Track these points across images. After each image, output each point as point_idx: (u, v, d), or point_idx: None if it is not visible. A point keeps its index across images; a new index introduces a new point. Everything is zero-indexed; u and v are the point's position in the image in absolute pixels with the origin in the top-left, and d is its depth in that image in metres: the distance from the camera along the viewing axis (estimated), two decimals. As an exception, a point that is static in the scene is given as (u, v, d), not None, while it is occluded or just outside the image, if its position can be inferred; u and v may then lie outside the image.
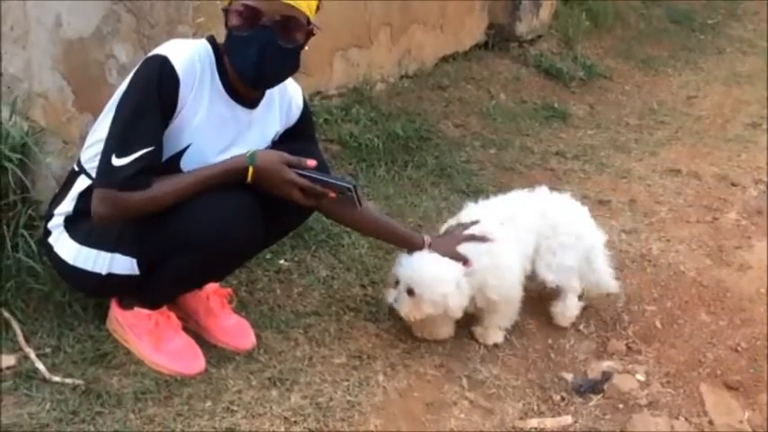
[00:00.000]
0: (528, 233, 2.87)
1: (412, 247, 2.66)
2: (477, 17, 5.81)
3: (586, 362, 2.91)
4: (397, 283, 2.64)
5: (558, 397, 2.73)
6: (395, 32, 4.90)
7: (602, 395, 2.75)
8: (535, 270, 2.91)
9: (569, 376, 2.83)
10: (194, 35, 3.13)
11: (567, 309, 2.99)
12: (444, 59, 5.44)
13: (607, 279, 3.05)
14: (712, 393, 2.76)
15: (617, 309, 3.19)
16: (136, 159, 2.11)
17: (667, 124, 5.46)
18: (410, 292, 2.60)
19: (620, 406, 2.70)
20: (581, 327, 3.09)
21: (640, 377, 2.84)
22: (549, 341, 2.98)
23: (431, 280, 2.59)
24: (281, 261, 3.07)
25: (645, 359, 2.93)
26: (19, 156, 2.63)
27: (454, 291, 2.61)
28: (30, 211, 2.66)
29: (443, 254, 2.64)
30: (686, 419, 2.63)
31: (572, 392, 2.75)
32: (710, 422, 2.63)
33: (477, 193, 3.95)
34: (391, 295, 2.66)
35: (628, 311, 3.18)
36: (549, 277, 2.91)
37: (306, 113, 2.56)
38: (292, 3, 2.15)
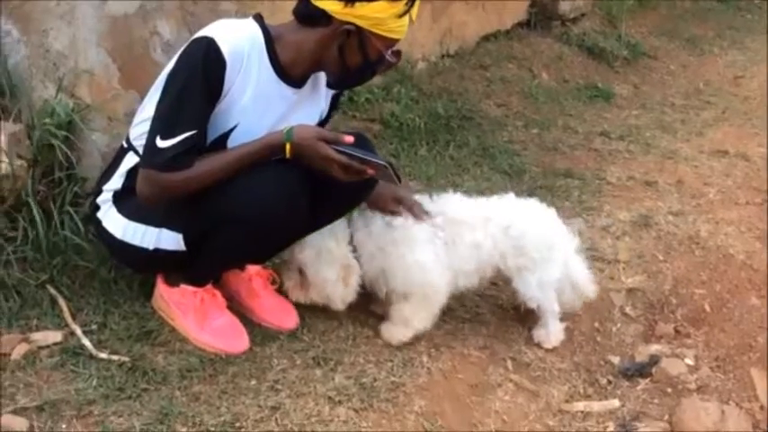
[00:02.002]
0: (473, 249, 2.57)
1: None
2: (519, -6, 5.72)
3: (633, 345, 2.87)
4: (378, 165, 2.32)
5: (605, 380, 2.70)
6: (436, 11, 4.83)
7: (649, 379, 2.71)
8: (515, 289, 2.68)
9: (616, 359, 2.79)
10: (237, 11, 3.12)
11: (551, 334, 2.74)
12: (486, 38, 5.35)
13: (585, 283, 2.79)
14: (763, 378, 2.69)
15: (664, 292, 3.13)
16: (180, 142, 2.11)
17: (714, 105, 5.33)
18: (299, 272, 2.52)
19: (669, 390, 2.66)
20: (627, 309, 3.05)
21: (689, 361, 2.79)
22: (596, 324, 2.94)
23: (316, 262, 2.48)
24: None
25: (693, 343, 2.88)
26: (65, 133, 2.64)
27: (335, 281, 2.50)
28: (75, 188, 2.67)
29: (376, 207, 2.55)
30: (737, 404, 2.58)
31: (619, 376, 2.72)
32: (762, 407, 2.58)
33: (519, 173, 3.91)
34: (283, 275, 2.59)
35: (676, 294, 3.12)
36: (529, 295, 2.66)
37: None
38: None
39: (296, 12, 2.25)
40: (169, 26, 2.81)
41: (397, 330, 2.58)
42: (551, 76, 5.29)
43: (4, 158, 2.55)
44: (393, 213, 2.52)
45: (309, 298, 2.54)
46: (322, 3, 2.16)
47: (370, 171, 2.22)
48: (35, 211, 2.54)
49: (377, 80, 4.35)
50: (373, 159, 2.20)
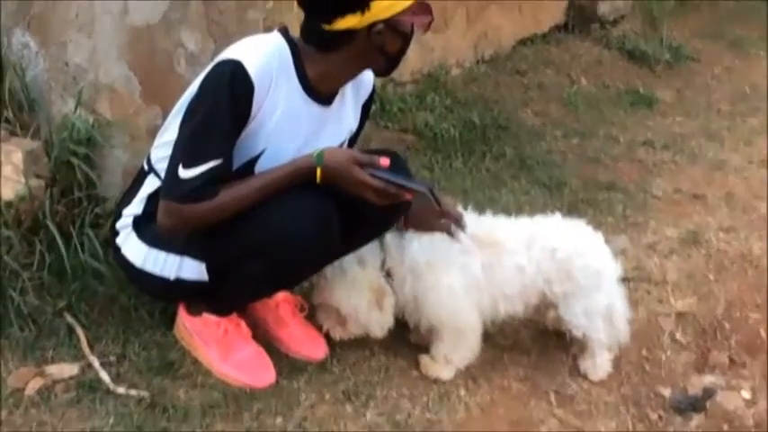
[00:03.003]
0: (515, 273, 2.41)
1: None
2: (556, -3, 5.54)
3: (685, 375, 2.68)
4: (415, 190, 2.21)
5: (656, 415, 2.51)
6: (471, 14, 4.68)
7: (704, 414, 2.52)
8: (560, 316, 2.52)
9: (667, 392, 2.59)
10: (264, 20, 2.98)
11: (598, 365, 2.56)
12: (522, 42, 5.18)
13: (621, 322, 2.58)
14: (826, 413, 2.50)
15: (717, 316, 2.94)
16: (204, 172, 1.98)
17: (761, 111, 5.09)
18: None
19: (725, 427, 2.47)
20: (678, 336, 2.85)
21: (746, 394, 2.59)
22: (644, 352, 2.75)
23: (348, 297, 2.34)
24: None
25: (750, 374, 2.69)
26: (85, 150, 2.53)
27: (368, 306, 2.35)
28: (96, 209, 2.56)
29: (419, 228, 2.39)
30: (798, 444, 2.39)
31: (670, 410, 2.53)
32: (825, 445, 2.39)
33: (559, 186, 3.73)
34: (319, 315, 2.43)
35: (729, 318, 2.93)
36: (575, 323, 2.49)
37: (373, 93, 2.42)
38: None
39: (310, 41, 2.11)
40: (194, 37, 2.68)
41: (437, 369, 2.44)
42: (591, 82, 5.09)
43: (21, 178, 2.44)
44: (437, 229, 2.37)
45: (350, 332, 2.39)
46: (340, 24, 2.03)
47: (408, 196, 2.07)
48: (53, 234, 2.42)
49: (410, 88, 4.22)
50: (411, 185, 2.05)
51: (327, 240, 2.11)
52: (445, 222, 2.36)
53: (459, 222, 2.37)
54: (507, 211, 3.43)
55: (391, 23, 2.06)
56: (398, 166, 2.18)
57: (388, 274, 2.38)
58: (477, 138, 3.99)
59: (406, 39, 2.12)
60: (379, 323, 2.38)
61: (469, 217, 2.48)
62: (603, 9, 5.65)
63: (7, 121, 2.60)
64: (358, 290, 2.34)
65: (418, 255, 2.36)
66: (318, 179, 2.04)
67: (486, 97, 4.42)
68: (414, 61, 4.24)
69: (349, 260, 2.34)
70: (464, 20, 4.60)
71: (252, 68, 1.99)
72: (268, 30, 3.05)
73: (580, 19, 5.64)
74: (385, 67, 2.18)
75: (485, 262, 2.38)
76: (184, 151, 2.00)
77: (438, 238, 2.38)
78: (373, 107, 2.58)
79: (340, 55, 2.09)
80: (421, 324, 2.41)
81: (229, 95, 1.97)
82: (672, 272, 3.16)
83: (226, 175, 2.02)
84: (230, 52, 2.05)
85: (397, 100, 4.00)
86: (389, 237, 2.42)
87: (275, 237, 2.03)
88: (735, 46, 6.30)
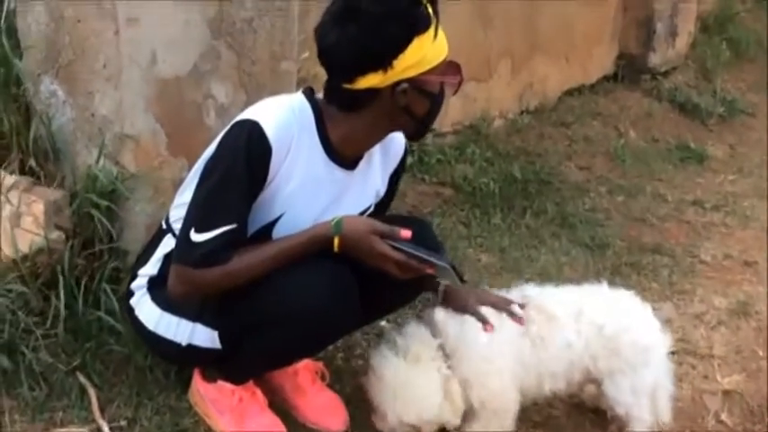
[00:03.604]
0: (564, 350, 2.28)
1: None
2: (606, 46, 5.41)
3: (731, 461, 2.51)
4: (437, 265, 2.08)
5: (697, 506, 2.34)
6: (516, 64, 4.58)
7: (750, 508, 2.35)
8: (604, 393, 2.36)
9: (710, 480, 2.43)
10: (299, 71, 2.91)
11: None
12: (569, 93, 5.07)
13: (665, 404, 2.42)
14: None
15: (765, 395, 2.76)
16: (216, 237, 1.90)
17: (817, 170, 4.91)
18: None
19: None
20: (723, 416, 2.68)
21: (796, 485, 2.41)
22: (687, 433, 2.59)
23: (419, 406, 2.17)
24: (383, 323, 2.79)
25: (800, 462, 2.51)
26: (107, 202, 2.46)
27: (442, 400, 2.18)
28: (116, 263, 2.49)
29: (456, 308, 2.26)
30: None
31: (713, 501, 2.36)
32: None
33: (602, 248, 3.58)
34: (380, 425, 2.24)
35: (779, 400, 2.75)
36: (620, 400, 2.34)
37: (405, 159, 2.32)
38: None
39: (333, 101, 2.02)
40: (225, 88, 2.60)
41: None
42: (639, 135, 4.95)
43: (40, 231, 2.38)
44: (473, 314, 2.24)
45: None
46: (362, 83, 1.93)
47: (429, 270, 1.96)
48: (70, 289, 2.36)
49: (450, 140, 4.13)
50: (433, 260, 1.94)
51: (346, 312, 2.01)
52: (483, 310, 2.25)
53: (498, 306, 2.26)
54: (547, 272, 3.33)
55: (417, 83, 1.96)
56: (425, 235, 2.08)
57: (445, 356, 2.24)
58: (517, 192, 3.88)
59: (433, 100, 2.01)
60: (453, 413, 2.22)
61: (515, 289, 2.38)
62: (655, 60, 5.53)
63: (31, 169, 2.55)
64: (426, 396, 2.18)
65: (476, 336, 2.23)
66: (336, 248, 1.94)
67: (529, 150, 4.31)
68: (455, 112, 4.14)
69: (398, 366, 2.17)
70: (508, 70, 4.50)
71: (270, 130, 1.91)
72: (302, 81, 3.02)
73: (630, 69, 5.53)
74: (414, 129, 2.08)
75: (534, 339, 2.25)
76: (197, 214, 1.93)
77: (493, 316, 2.26)
78: (410, 159, 2.49)
79: (363, 116, 1.99)
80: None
81: (246, 158, 1.89)
82: (719, 345, 3.00)
83: (240, 240, 1.94)
84: (249, 112, 1.97)
85: (435, 151, 3.91)
86: (440, 315, 2.26)
87: (290, 308, 1.94)
88: (791, 100, 6.10)
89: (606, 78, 5.43)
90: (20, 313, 2.27)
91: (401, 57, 1.91)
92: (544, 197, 3.92)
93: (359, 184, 2.14)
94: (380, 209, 2.27)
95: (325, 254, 1.95)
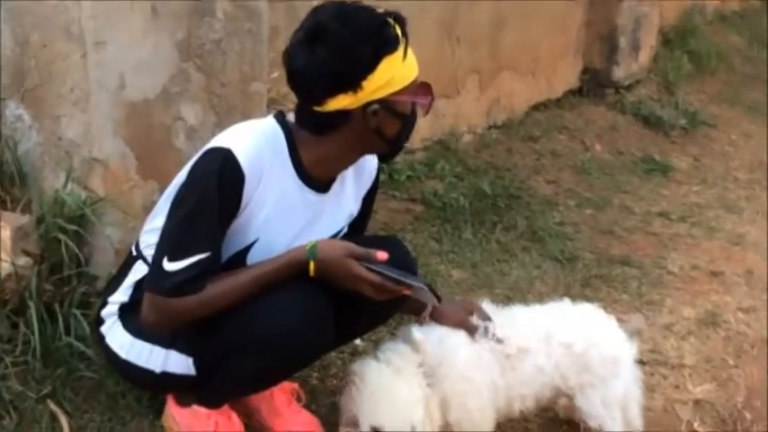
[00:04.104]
0: (535, 374, 2.29)
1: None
2: (570, 61, 5.48)
3: (704, 472, 2.54)
4: (355, 423, 2.11)
5: None
6: (484, 80, 4.63)
7: None
8: (577, 407, 2.39)
9: (686, 488, 2.46)
10: (269, 91, 2.91)
11: None
12: (535, 108, 5.13)
13: (635, 414, 2.46)
14: None
15: (737, 404, 2.81)
16: (189, 266, 1.87)
17: (781, 179, 5.00)
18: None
19: None
20: (696, 425, 2.73)
21: (770, 494, 2.45)
22: (660, 443, 2.62)
23: (397, 413, 2.10)
24: (357, 341, 2.78)
25: (773, 471, 2.54)
26: (75, 227, 2.43)
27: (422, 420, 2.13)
28: (85, 288, 2.46)
29: (448, 323, 2.26)
30: None
31: None
32: None
33: (572, 260, 3.61)
34: None
35: (750, 408, 2.81)
36: (593, 414, 2.36)
37: (378, 179, 2.31)
38: None
39: (304, 125, 2.00)
40: (194, 111, 2.59)
41: None
42: (605, 148, 5.02)
43: (6, 257, 2.35)
44: (466, 326, 2.26)
45: None
46: (332, 106, 1.92)
47: (406, 291, 1.96)
48: (40, 315, 2.32)
49: (419, 156, 4.14)
50: (409, 281, 1.94)
51: (321, 337, 2.00)
52: (475, 322, 2.26)
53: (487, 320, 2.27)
54: (518, 286, 3.35)
55: (387, 104, 1.95)
56: (399, 255, 2.07)
57: (425, 374, 2.21)
58: (487, 207, 3.91)
59: (405, 120, 2.01)
60: (431, 429, 2.19)
61: (488, 310, 2.36)
62: (618, 74, 5.61)
63: (-1, 195, 2.53)
64: (409, 406, 2.14)
65: (455, 355, 2.23)
66: (312, 273, 1.93)
67: (498, 165, 4.35)
68: (424, 128, 4.16)
69: (381, 372, 2.14)
70: (476, 85, 4.54)
71: (242, 157, 1.89)
72: (271, 101, 3.02)
73: (594, 83, 5.61)
74: (386, 150, 2.08)
75: (506, 365, 2.26)
76: (170, 243, 1.90)
77: (468, 338, 2.26)
78: (382, 176, 2.48)
79: (335, 138, 1.98)
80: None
81: (218, 186, 1.87)
82: (689, 355, 3.05)
83: (214, 268, 1.92)
84: (221, 139, 1.95)
85: (405, 168, 3.92)
86: (418, 334, 2.24)
87: (266, 334, 1.92)
88: (752, 111, 6.26)
89: (571, 92, 5.50)
90: (-12, 341, 2.24)
91: (370, 77, 1.90)
92: (514, 211, 3.94)
93: (332, 206, 2.13)
94: (356, 230, 2.26)
95: (300, 279, 1.94)
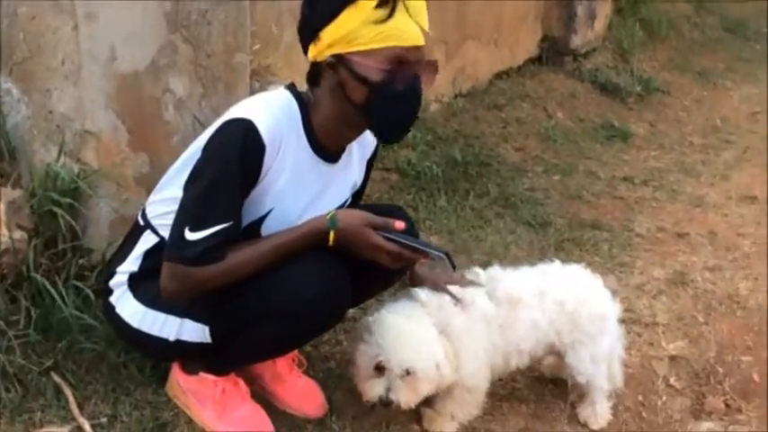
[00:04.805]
0: (531, 329, 2.38)
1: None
2: (530, 29, 5.57)
3: (683, 422, 2.65)
4: (381, 369, 2.16)
5: (657, 465, 2.49)
6: (450, 50, 4.67)
7: (705, 463, 2.51)
8: (568, 364, 2.48)
9: (666, 440, 2.58)
10: (251, 63, 2.92)
11: (599, 413, 2.54)
12: (498, 76, 5.21)
13: (617, 370, 2.60)
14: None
15: (709, 359, 2.93)
16: (211, 234, 1.89)
17: (733, 143, 5.18)
18: (406, 373, 2.15)
19: (727, 477, 2.46)
20: (672, 380, 2.83)
21: (745, 440, 2.58)
22: (640, 398, 2.73)
23: (423, 352, 2.17)
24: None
25: (747, 418, 2.67)
26: (69, 200, 2.43)
27: (443, 357, 2.21)
28: (81, 261, 2.46)
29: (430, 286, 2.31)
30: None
31: (671, 459, 2.51)
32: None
33: (544, 225, 3.71)
34: (377, 388, 2.18)
35: (721, 362, 2.92)
36: (581, 370, 2.46)
37: (378, 146, 2.36)
38: (424, 44, 1.93)
39: (306, 77, 2.06)
40: (182, 82, 2.60)
41: (441, 423, 2.37)
42: (566, 116, 5.13)
43: (4, 230, 2.34)
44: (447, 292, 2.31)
45: (421, 394, 2.22)
46: (310, 56, 1.97)
47: (422, 259, 2.01)
48: (38, 288, 2.33)
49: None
50: (427, 249, 1.98)
51: (341, 303, 2.05)
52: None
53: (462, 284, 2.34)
54: (495, 251, 3.44)
55: (347, 63, 1.91)
56: (409, 227, 2.11)
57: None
58: (459, 175, 3.97)
59: (373, 89, 1.91)
60: (451, 371, 2.24)
61: (478, 272, 2.45)
62: (576, 41, 5.72)
63: (-14, 169, 2.51)
64: (431, 345, 2.20)
65: (454, 316, 2.29)
66: (331, 242, 1.97)
67: (467, 133, 4.41)
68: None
69: (399, 319, 2.19)
70: (443, 55, 4.58)
71: (263, 128, 1.91)
72: (253, 73, 3.02)
73: (553, 52, 5.71)
74: (363, 121, 2.01)
75: (503, 322, 2.34)
76: (192, 213, 1.91)
77: (470, 298, 2.33)
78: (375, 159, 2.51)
79: (322, 95, 2.01)
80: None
81: (240, 157, 1.89)
82: (661, 313, 3.16)
83: (234, 237, 1.94)
84: (240, 111, 1.95)
85: (378, 138, 3.96)
86: (424, 294, 2.30)
87: (288, 301, 1.95)
88: (702, 77, 6.43)
89: (531, 61, 5.59)
90: (-10, 316, 2.24)
91: (326, 28, 1.90)
92: (485, 179, 4.03)
93: (340, 177, 2.17)
94: (356, 195, 2.31)
95: (319, 249, 1.97)
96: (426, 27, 1.96)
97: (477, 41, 4.89)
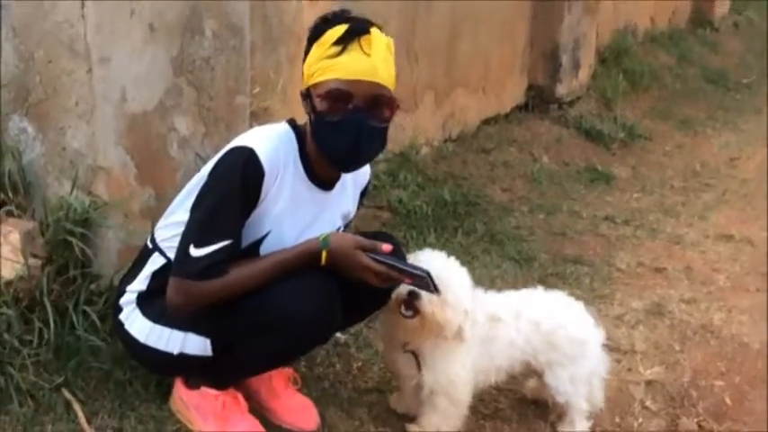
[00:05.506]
0: (508, 347, 2.52)
1: None
2: (517, 79, 5.81)
3: (658, 443, 2.80)
4: (415, 275, 2.18)
5: (633, 483, 2.62)
6: (439, 96, 4.90)
7: (678, 481, 2.64)
8: (546, 383, 2.61)
9: (642, 459, 2.71)
10: (251, 106, 3.12)
11: None
12: (486, 122, 5.43)
13: (598, 392, 2.73)
14: (793, 477, 2.63)
15: (683, 384, 3.08)
16: (214, 252, 2.08)
17: (713, 186, 5.39)
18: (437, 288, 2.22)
19: (699, 493, 2.59)
20: (648, 403, 2.98)
21: (716, 461, 2.72)
22: (617, 419, 2.87)
23: (457, 281, 2.38)
24: (338, 334, 3.00)
25: (718, 440, 2.82)
26: (81, 230, 2.61)
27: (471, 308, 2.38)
28: (91, 286, 2.63)
29: None
30: None
31: (646, 478, 2.64)
32: None
33: (529, 260, 3.89)
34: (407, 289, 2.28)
35: (695, 387, 3.06)
36: (561, 390, 2.58)
37: (371, 178, 2.57)
38: (378, 80, 2.09)
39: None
40: (186, 122, 2.79)
41: None
42: (552, 159, 5.33)
43: (19, 258, 2.51)
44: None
45: (446, 318, 2.34)
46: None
47: (407, 280, 2.18)
48: (49, 312, 2.49)
49: (382, 166, 4.37)
50: (411, 270, 2.16)
51: (332, 319, 2.20)
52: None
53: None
54: (481, 285, 3.56)
55: (310, 96, 2.14)
56: (396, 250, 2.27)
57: None
58: (448, 214, 4.15)
59: (316, 119, 2.12)
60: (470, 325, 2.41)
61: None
62: (561, 90, 5.95)
63: (4, 202, 2.68)
64: (466, 293, 2.39)
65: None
66: (323, 261, 2.14)
67: (456, 174, 4.60)
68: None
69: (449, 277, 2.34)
70: (433, 101, 4.81)
71: (263, 155, 2.10)
72: (253, 115, 3.22)
73: (539, 100, 5.94)
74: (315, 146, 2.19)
75: (484, 337, 2.49)
76: (196, 231, 2.09)
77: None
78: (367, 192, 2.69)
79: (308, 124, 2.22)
80: (425, 385, 2.45)
81: (242, 180, 2.08)
82: (639, 342, 3.31)
83: (235, 255, 2.12)
84: (243, 140, 2.15)
85: (371, 178, 4.14)
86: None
87: (283, 316, 2.11)
88: (683, 125, 6.65)
89: (518, 108, 5.82)
90: (6, 335, 2.40)
91: (304, 64, 2.16)
92: (473, 217, 4.21)
93: (334, 204, 2.35)
94: (346, 227, 2.49)
95: (312, 268, 2.14)
96: (385, 65, 2.11)
97: (465, 89, 5.12)
